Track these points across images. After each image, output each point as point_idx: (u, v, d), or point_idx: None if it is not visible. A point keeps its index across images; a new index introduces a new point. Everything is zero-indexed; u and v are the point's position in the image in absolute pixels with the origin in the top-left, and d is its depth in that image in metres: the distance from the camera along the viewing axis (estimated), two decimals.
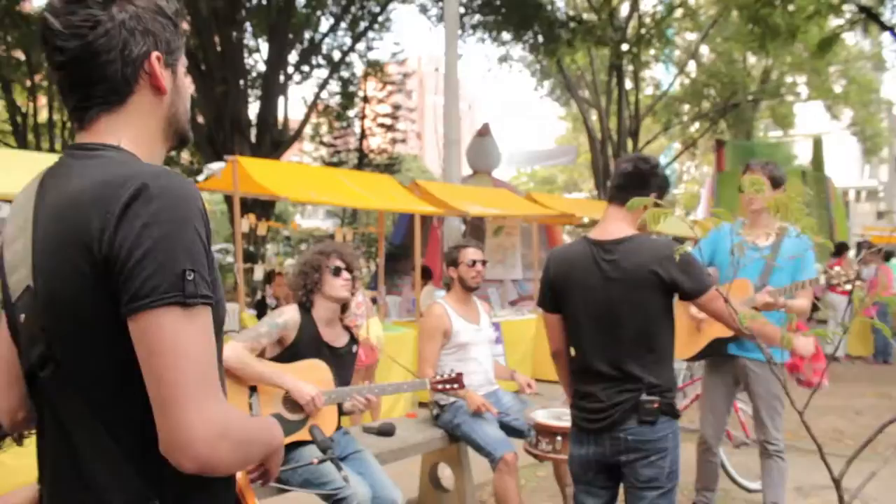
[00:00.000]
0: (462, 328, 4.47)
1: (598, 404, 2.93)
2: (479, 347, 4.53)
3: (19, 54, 21.26)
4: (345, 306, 3.77)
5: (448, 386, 3.92)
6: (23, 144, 21.25)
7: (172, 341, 1.15)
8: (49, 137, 22.95)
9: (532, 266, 10.55)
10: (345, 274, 3.64)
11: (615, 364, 2.90)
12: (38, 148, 21.41)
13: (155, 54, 1.34)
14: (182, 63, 1.43)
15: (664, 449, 2.86)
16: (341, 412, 3.68)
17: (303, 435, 3.38)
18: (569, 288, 2.99)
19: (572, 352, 3.09)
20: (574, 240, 3.13)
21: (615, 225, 2.99)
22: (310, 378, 3.44)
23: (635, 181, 2.98)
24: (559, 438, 3.77)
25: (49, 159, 1.48)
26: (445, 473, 4.84)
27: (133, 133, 1.34)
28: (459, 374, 3.94)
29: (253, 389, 3.40)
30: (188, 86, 1.46)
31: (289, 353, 3.53)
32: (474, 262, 4.52)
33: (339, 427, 3.67)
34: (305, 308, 3.64)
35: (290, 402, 3.44)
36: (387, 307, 8.87)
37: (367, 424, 4.35)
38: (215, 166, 6.55)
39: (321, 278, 3.62)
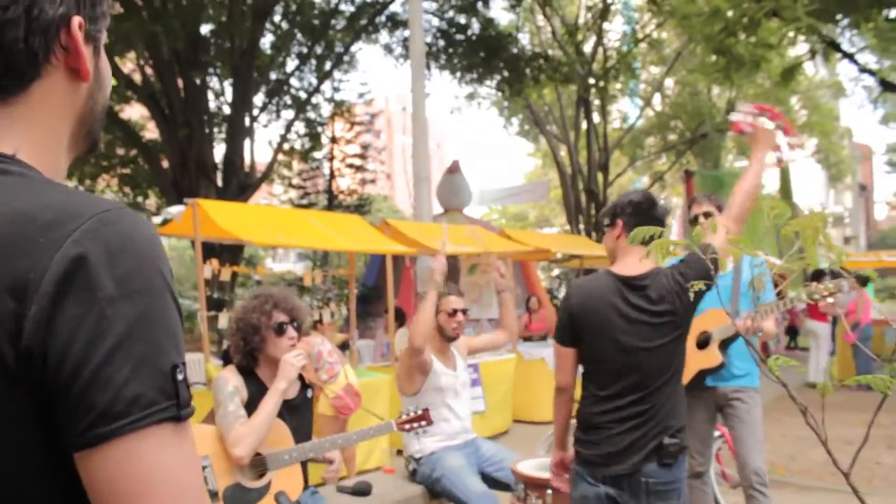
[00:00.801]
0: (441, 370, 4.22)
1: (614, 447, 2.82)
2: (456, 395, 4.27)
3: None
4: None
5: (416, 424, 3.63)
6: None
7: (166, 476, 0.76)
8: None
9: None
10: (290, 331, 3.25)
11: (639, 403, 2.82)
12: None
13: (77, 20, 0.88)
14: (104, 36, 0.96)
15: (680, 488, 2.82)
16: (306, 470, 3.36)
17: (268, 502, 3.07)
18: (593, 322, 2.89)
19: (591, 389, 2.97)
20: (597, 273, 3.08)
21: (637, 262, 2.91)
22: (266, 438, 3.13)
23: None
24: (549, 492, 3.48)
25: None
26: None
27: (35, 136, 0.88)
28: (426, 411, 3.66)
29: (205, 462, 3.07)
30: (109, 71, 1.00)
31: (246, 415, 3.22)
32: (455, 312, 4.24)
33: (306, 487, 3.35)
34: (246, 370, 3.28)
35: (249, 469, 3.12)
36: (359, 352, 8.54)
37: (340, 483, 4.03)
38: (174, 210, 6.27)
39: (263, 339, 3.22)
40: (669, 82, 28.97)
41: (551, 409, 3.25)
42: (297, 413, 3.30)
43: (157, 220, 5.84)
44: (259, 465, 3.12)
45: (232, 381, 3.18)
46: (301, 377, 3.47)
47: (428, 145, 10.50)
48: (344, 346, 8.52)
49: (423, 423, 3.59)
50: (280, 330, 3.23)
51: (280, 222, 7.35)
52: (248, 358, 3.26)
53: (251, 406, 3.14)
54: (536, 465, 3.72)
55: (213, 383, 3.26)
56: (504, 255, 9.65)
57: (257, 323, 3.21)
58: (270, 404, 3.07)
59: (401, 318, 8.92)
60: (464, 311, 4.29)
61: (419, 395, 4.14)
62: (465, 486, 3.84)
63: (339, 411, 6.02)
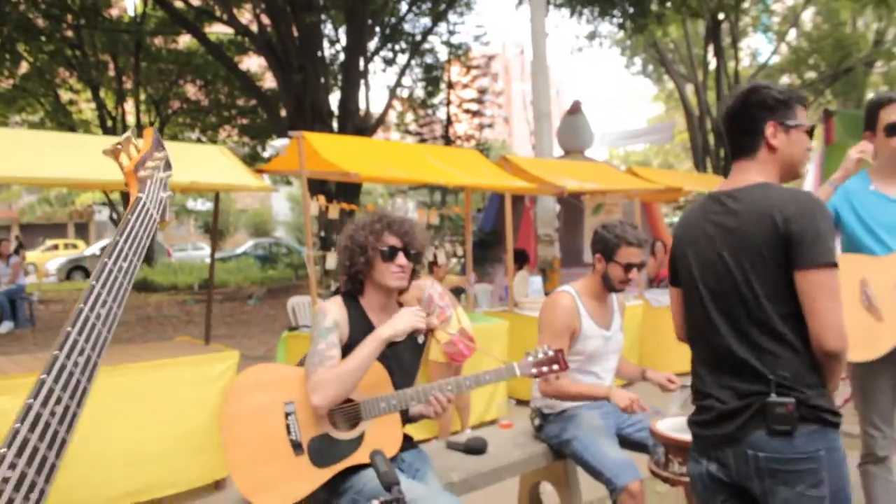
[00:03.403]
0: (591, 332, 3.49)
1: (713, 407, 2.21)
2: (605, 359, 3.58)
3: (106, 58, 21.67)
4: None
5: (546, 369, 2.87)
6: None
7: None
8: None
9: None
10: (400, 258, 2.77)
11: (730, 351, 2.16)
12: None
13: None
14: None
15: (815, 471, 2.04)
16: (407, 421, 2.88)
17: (360, 458, 2.62)
18: (683, 253, 2.36)
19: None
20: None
21: (741, 175, 2.26)
22: (361, 382, 2.65)
23: (740, 124, 2.27)
24: None
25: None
26: (547, 490, 4.00)
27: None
28: (558, 352, 2.88)
29: (291, 410, 2.64)
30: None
31: (343, 355, 2.73)
32: (630, 267, 3.45)
33: (407, 442, 2.88)
34: (350, 297, 2.84)
35: (340, 418, 2.68)
36: (476, 297, 8.07)
37: (451, 439, 3.55)
38: (279, 143, 5.89)
39: (369, 261, 2.77)
40: (808, 14, 26.91)
41: (683, 359, 2.66)
42: (402, 357, 2.82)
43: (266, 153, 5.49)
44: (352, 414, 2.67)
45: (332, 315, 2.73)
46: None
47: (549, 80, 9.83)
48: (458, 291, 8.08)
49: (556, 367, 2.87)
50: (389, 255, 2.76)
51: (392, 156, 6.86)
52: (353, 282, 2.83)
53: (348, 346, 2.69)
54: (680, 425, 3.13)
55: (314, 315, 2.83)
56: (630, 195, 8.94)
57: (364, 242, 2.76)
58: (366, 351, 2.59)
59: (521, 260, 8.42)
60: (640, 266, 3.50)
61: None
62: (600, 452, 3.25)
63: (451, 357, 5.59)
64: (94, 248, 29.94)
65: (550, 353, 2.87)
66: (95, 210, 39.74)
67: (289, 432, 2.59)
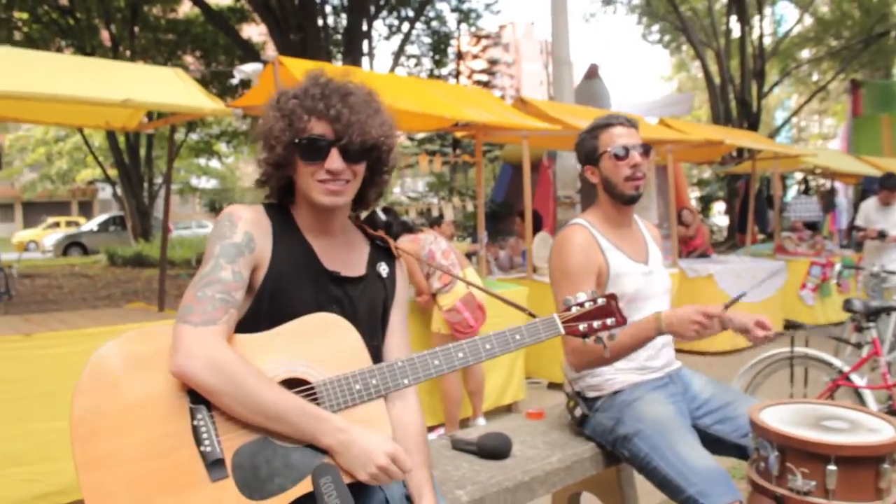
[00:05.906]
0: (624, 268, 2.47)
1: None
2: (654, 302, 2.50)
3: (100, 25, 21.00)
4: (361, 201, 1.82)
5: (598, 324, 1.81)
6: None
7: None
8: None
9: (665, 218, 8.59)
10: (332, 158, 1.63)
11: None
12: None
13: None
14: None
15: None
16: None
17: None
18: None
19: None
20: None
21: None
22: (328, 359, 1.57)
23: None
24: (832, 468, 1.83)
25: None
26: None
27: None
28: (611, 298, 1.84)
29: (201, 403, 1.49)
30: None
31: (259, 305, 1.63)
32: (627, 151, 2.44)
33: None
34: (278, 210, 1.74)
35: None
36: (490, 261, 7.05)
37: (459, 436, 2.47)
38: (249, 68, 4.85)
39: (286, 162, 1.68)
40: None
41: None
42: (363, 297, 1.75)
43: (235, 80, 4.44)
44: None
45: (245, 224, 1.64)
46: (384, 244, 1.89)
47: (568, 23, 8.80)
48: (469, 257, 7.13)
49: (610, 321, 1.83)
50: (311, 152, 1.64)
51: (389, 88, 5.80)
52: (278, 189, 1.75)
53: (273, 287, 1.63)
54: (797, 416, 2.09)
55: (214, 224, 1.68)
56: (661, 151, 7.83)
57: (279, 135, 1.64)
58: (285, 398, 1.48)
59: (537, 223, 7.42)
60: (645, 151, 2.48)
61: None
62: (677, 455, 2.19)
63: (454, 328, 4.56)
64: (92, 224, 29.47)
65: (601, 300, 1.83)
66: (99, 188, 39.22)
67: (199, 442, 1.46)
